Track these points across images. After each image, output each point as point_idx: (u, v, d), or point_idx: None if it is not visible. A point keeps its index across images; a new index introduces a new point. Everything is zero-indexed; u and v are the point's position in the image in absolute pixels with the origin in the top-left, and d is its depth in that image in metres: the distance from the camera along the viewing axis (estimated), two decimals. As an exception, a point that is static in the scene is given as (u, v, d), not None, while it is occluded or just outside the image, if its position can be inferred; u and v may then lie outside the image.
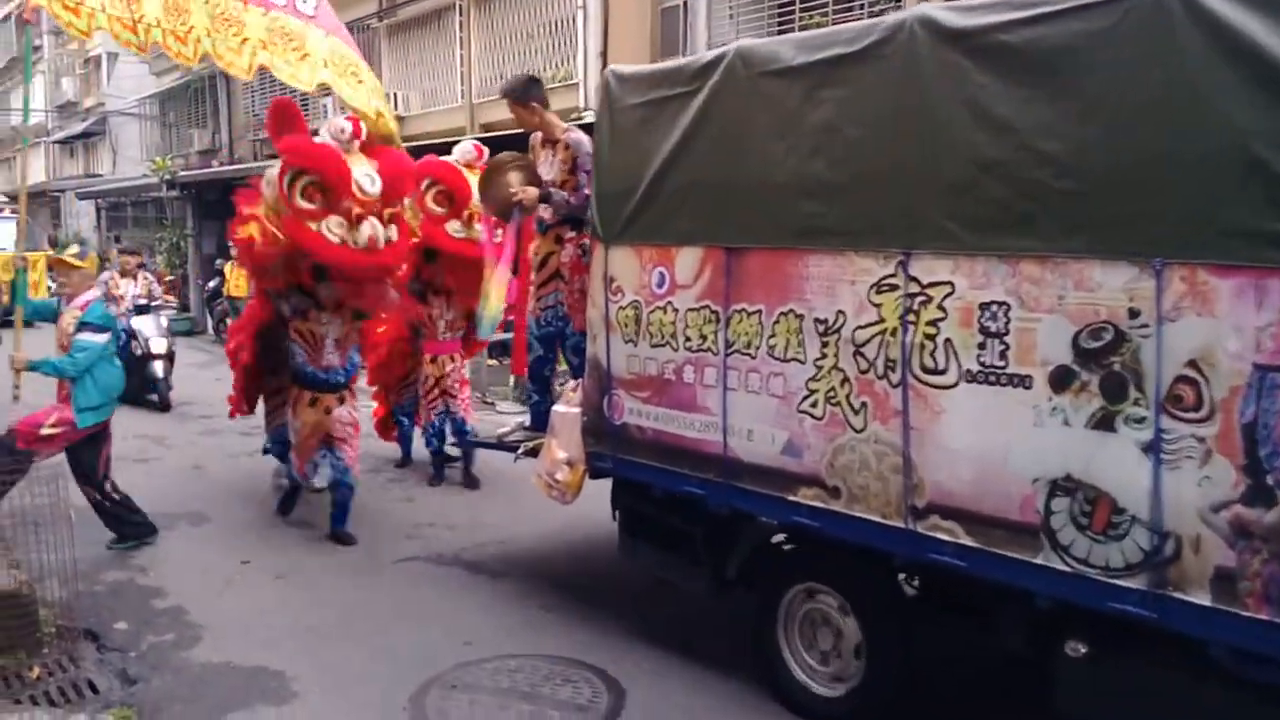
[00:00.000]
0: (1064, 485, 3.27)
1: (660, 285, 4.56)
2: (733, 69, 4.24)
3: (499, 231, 5.96)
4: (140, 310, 12.05)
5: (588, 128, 5.54)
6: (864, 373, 3.77)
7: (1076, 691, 3.51)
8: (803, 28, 9.96)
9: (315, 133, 6.63)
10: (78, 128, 33.09)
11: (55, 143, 35.89)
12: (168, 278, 16.11)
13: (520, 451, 5.71)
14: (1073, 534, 3.27)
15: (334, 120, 6.42)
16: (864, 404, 3.78)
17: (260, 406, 7.86)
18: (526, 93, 5.67)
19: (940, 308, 3.53)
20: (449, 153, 7.86)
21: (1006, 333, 3.37)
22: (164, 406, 11.80)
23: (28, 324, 6.32)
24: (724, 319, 4.28)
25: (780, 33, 9.95)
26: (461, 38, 15.56)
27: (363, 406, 7.63)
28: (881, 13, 9.01)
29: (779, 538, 4.55)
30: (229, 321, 17.93)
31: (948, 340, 3.52)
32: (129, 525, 6.65)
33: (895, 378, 3.67)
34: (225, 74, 21.98)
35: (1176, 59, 2.98)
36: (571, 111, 11.37)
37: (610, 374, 4.84)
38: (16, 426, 6.10)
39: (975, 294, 3.44)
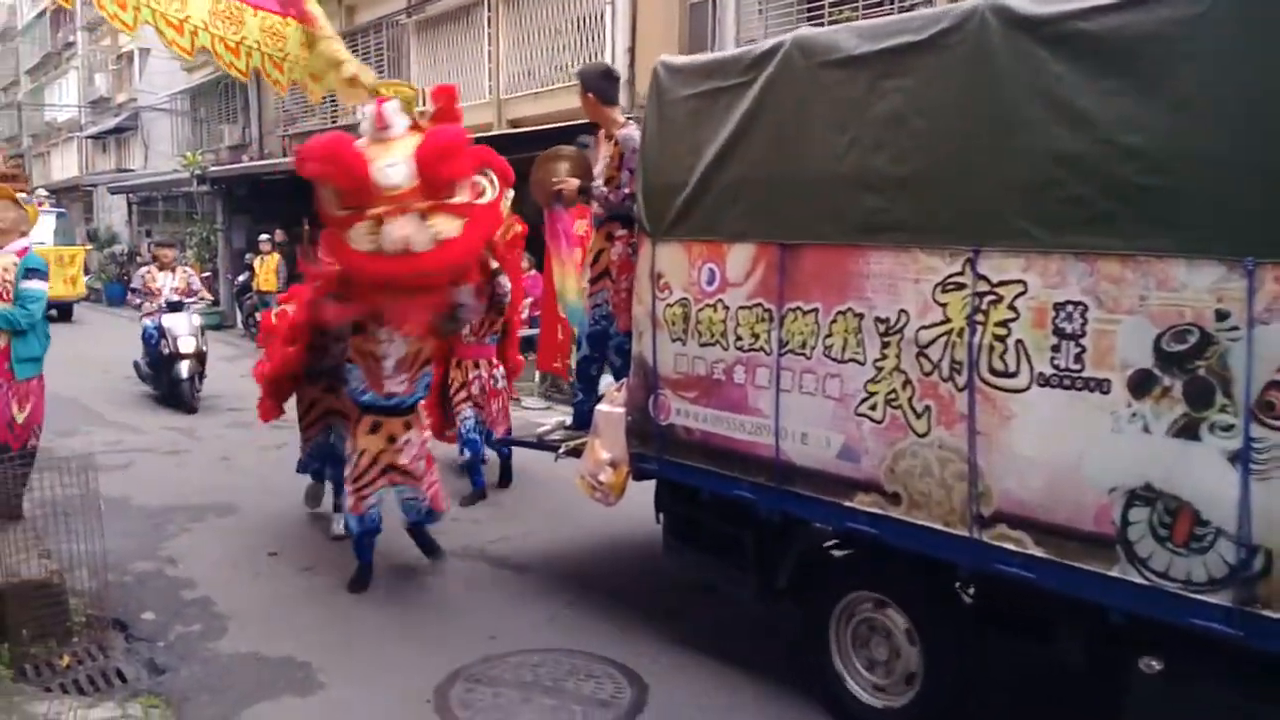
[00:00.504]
0: (1143, 495, 3.11)
1: (710, 282, 4.43)
2: (790, 59, 4.10)
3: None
4: (174, 307, 11.50)
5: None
6: (927, 375, 3.62)
7: (1149, 710, 3.36)
8: (831, 23, 9.80)
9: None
10: (110, 123, 33.30)
11: (88, 138, 36.14)
12: (203, 274, 15.99)
13: (561, 451, 5.60)
14: (1151, 546, 3.11)
15: (368, 108, 5.22)
16: (927, 407, 3.63)
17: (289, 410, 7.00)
18: (585, 82, 5.62)
19: (1011, 308, 3.38)
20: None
21: (1083, 334, 3.22)
22: (189, 408, 11.38)
23: None
24: (777, 317, 4.14)
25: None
26: (490, 33, 15.50)
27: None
28: (911, 7, 8.96)
29: (831, 544, 4.40)
30: (258, 316, 18.02)
31: (1019, 342, 3.36)
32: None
33: (961, 380, 3.52)
34: (258, 72, 22.23)
35: (1275, 46, 2.82)
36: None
37: (657, 373, 4.71)
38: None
39: (1049, 293, 3.29)
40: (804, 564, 4.42)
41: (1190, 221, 2.99)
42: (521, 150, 7.26)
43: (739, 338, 4.31)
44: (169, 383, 11.45)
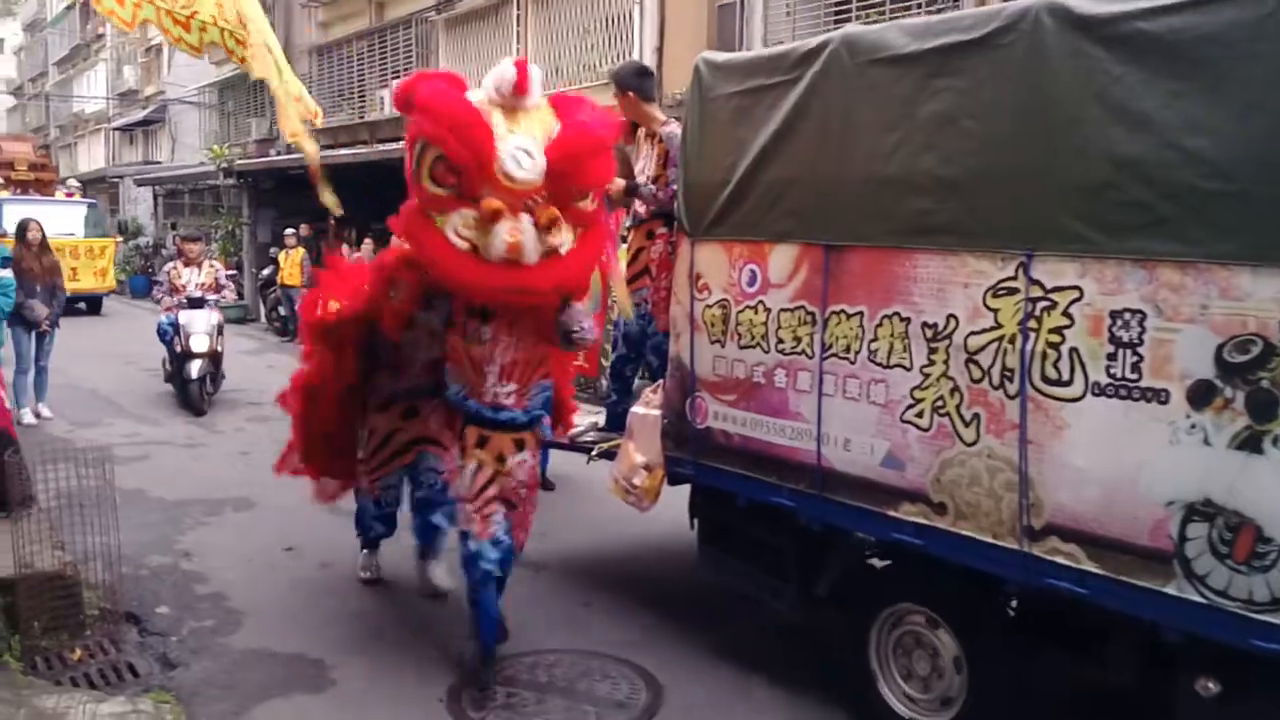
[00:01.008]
0: (1202, 510, 3.02)
1: (751, 283, 4.35)
2: (837, 57, 4.01)
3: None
4: (195, 303, 10.73)
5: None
6: (977, 382, 3.54)
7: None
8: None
9: None
10: (138, 115, 33.51)
11: (115, 129, 36.35)
12: (229, 270, 15.91)
13: (594, 453, 5.53)
14: (1210, 563, 3.01)
15: (500, 66, 4.14)
16: (976, 415, 3.54)
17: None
18: (621, 81, 5.52)
19: (1066, 314, 3.29)
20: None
21: (1140, 343, 3.13)
22: (196, 410, 10.73)
23: None
24: (821, 320, 4.06)
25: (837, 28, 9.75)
26: (518, 32, 15.48)
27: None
28: (944, 8, 8.86)
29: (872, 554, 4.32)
30: (281, 310, 18.05)
31: (1073, 349, 3.27)
32: None
33: (1012, 388, 3.43)
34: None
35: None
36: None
37: (694, 375, 4.63)
38: None
39: (1106, 300, 3.19)
40: (845, 574, 4.33)
41: (1255, 228, 2.90)
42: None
43: (780, 340, 4.24)
44: (181, 382, 10.95)
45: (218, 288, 11.09)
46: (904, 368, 3.77)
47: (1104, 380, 3.21)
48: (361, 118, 19.26)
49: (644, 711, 4.34)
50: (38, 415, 9.95)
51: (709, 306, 4.54)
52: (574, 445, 5.82)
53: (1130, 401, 3.15)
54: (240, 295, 21.33)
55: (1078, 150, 3.26)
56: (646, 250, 5.49)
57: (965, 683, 3.88)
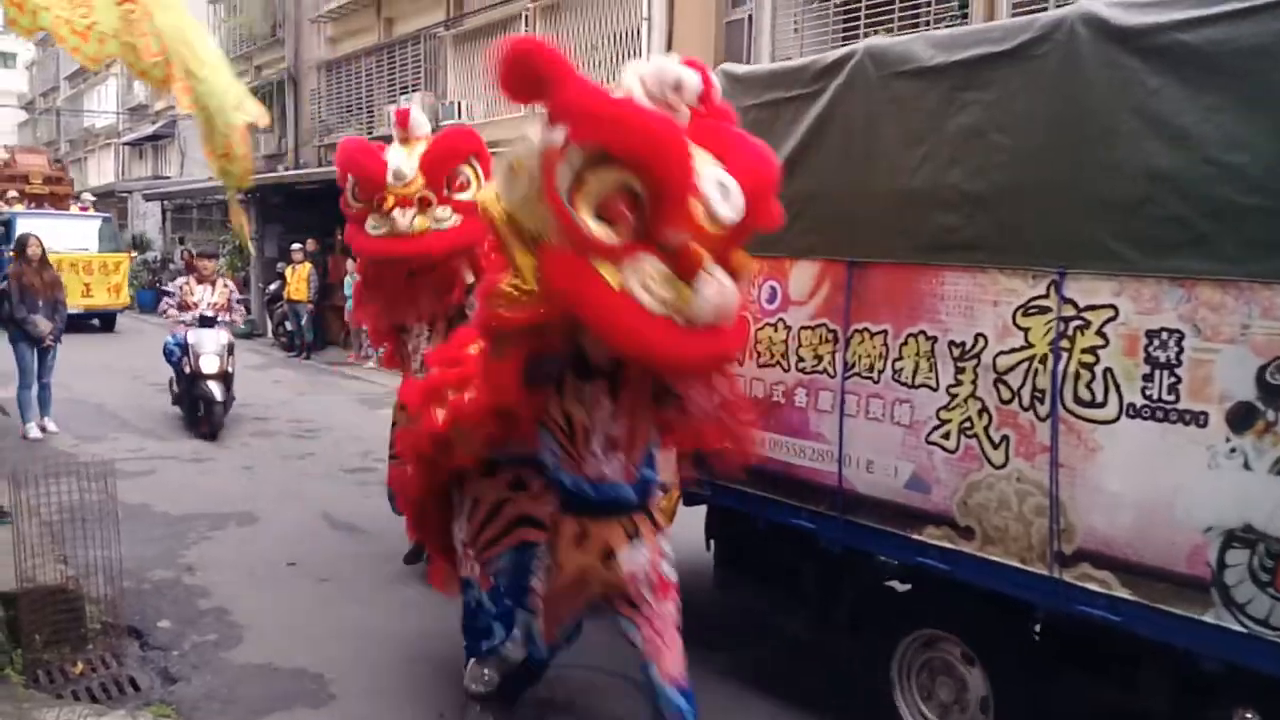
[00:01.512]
0: (1242, 536, 2.92)
1: (771, 300, 4.26)
2: (861, 69, 3.94)
3: None
4: (205, 322, 10.23)
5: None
6: (1006, 403, 3.44)
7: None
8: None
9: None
10: (147, 130, 33.54)
11: (125, 144, 36.46)
12: (241, 296, 15.75)
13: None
14: (1251, 591, 2.91)
15: (654, 63, 3.14)
16: (1005, 437, 3.44)
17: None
18: None
19: (1100, 334, 3.19)
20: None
21: (1178, 364, 3.03)
22: (210, 433, 10.19)
23: None
24: (843, 339, 3.97)
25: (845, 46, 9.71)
26: (527, 47, 15.44)
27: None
28: (953, 24, 8.79)
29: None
30: (287, 325, 17.96)
31: (1108, 370, 3.18)
32: None
33: (1043, 410, 3.33)
34: (294, 79, 22.32)
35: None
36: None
37: (711, 393, 4.54)
38: None
39: (1142, 320, 3.10)
40: (866, 597, 4.23)
41: (1300, 246, 2.81)
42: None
43: (801, 359, 4.14)
44: (189, 404, 10.47)
45: (229, 308, 10.64)
46: (930, 388, 3.67)
47: (1139, 402, 3.11)
48: (370, 133, 19.25)
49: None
50: (43, 429, 9.87)
51: (727, 323, 4.44)
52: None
53: (1167, 424, 3.05)
54: (247, 309, 21.31)
55: (1113, 165, 3.18)
56: None
57: (992, 707, 3.77)
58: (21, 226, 15.90)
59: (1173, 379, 3.04)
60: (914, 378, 3.72)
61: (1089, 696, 3.83)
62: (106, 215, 23.44)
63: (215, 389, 10.17)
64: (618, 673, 4.66)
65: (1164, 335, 3.06)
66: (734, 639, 5.18)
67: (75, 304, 17.71)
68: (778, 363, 4.23)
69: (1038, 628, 3.87)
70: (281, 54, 22.71)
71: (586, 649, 4.91)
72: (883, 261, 3.85)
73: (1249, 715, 3.07)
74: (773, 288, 4.24)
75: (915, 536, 3.72)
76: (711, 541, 4.91)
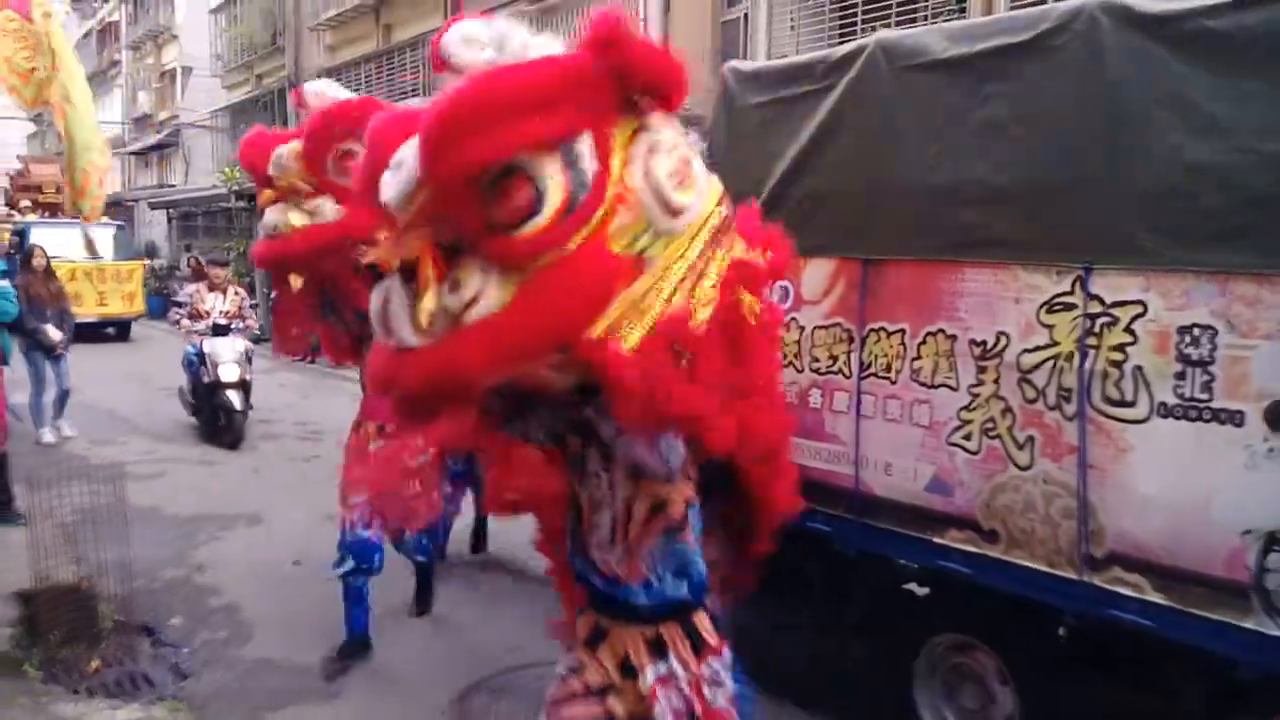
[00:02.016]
0: (1282, 539, 2.81)
1: (783, 300, 4.15)
2: (873, 63, 3.83)
3: None
4: (219, 331, 10.10)
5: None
6: (1031, 402, 3.33)
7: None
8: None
9: None
10: (152, 139, 33.60)
11: (131, 154, 36.49)
12: (253, 302, 15.55)
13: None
14: (1292, 595, 2.80)
15: None
16: (1030, 438, 3.33)
17: None
18: None
19: (1129, 331, 3.08)
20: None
21: (1212, 361, 2.92)
22: (232, 442, 10.13)
23: None
24: (858, 338, 3.86)
25: (842, 44, 9.62)
26: (525, 47, 15.38)
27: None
28: (950, 17, 8.68)
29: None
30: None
31: (1137, 368, 3.06)
32: None
33: (1070, 409, 3.22)
34: (295, 87, 22.24)
35: None
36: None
37: (723, 396, 4.43)
38: None
39: (1173, 316, 2.99)
40: (881, 602, 4.12)
41: (1338, 237, 2.70)
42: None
43: (815, 359, 4.04)
44: (209, 414, 10.38)
45: (241, 315, 10.44)
46: (950, 387, 3.56)
47: (1171, 400, 3.00)
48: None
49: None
50: (60, 433, 10.08)
51: (739, 324, 4.34)
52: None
53: (1201, 423, 2.94)
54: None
55: (1140, 156, 3.07)
56: None
57: (1019, 714, 3.67)
58: (37, 236, 15.83)
59: (1206, 377, 2.93)
60: (933, 377, 3.61)
61: (1114, 700, 3.73)
62: (120, 223, 23.27)
63: (235, 398, 10.08)
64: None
65: (1196, 332, 2.94)
66: (739, 640, 5.08)
67: (90, 312, 17.80)
68: (791, 363, 4.11)
69: (1062, 631, 3.77)
70: (281, 62, 22.69)
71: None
72: (900, 259, 3.74)
73: (1290, 725, 2.97)
74: (785, 287, 4.13)
75: (937, 540, 3.61)
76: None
